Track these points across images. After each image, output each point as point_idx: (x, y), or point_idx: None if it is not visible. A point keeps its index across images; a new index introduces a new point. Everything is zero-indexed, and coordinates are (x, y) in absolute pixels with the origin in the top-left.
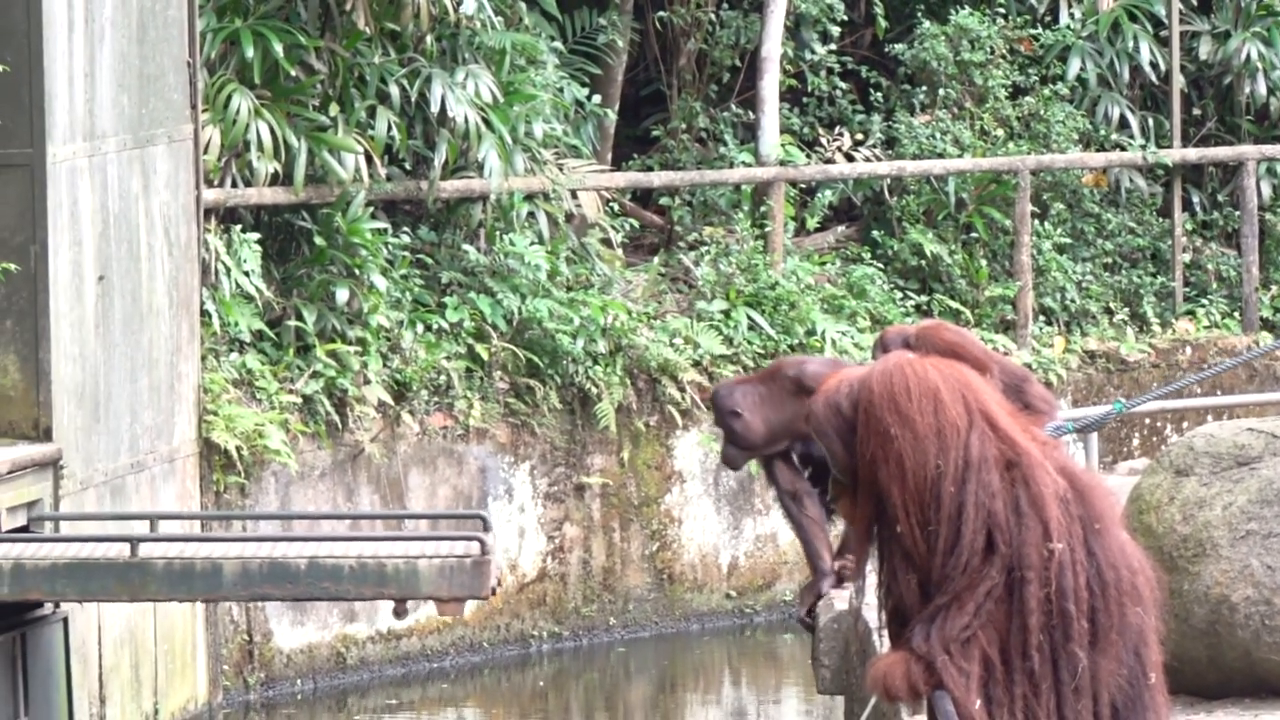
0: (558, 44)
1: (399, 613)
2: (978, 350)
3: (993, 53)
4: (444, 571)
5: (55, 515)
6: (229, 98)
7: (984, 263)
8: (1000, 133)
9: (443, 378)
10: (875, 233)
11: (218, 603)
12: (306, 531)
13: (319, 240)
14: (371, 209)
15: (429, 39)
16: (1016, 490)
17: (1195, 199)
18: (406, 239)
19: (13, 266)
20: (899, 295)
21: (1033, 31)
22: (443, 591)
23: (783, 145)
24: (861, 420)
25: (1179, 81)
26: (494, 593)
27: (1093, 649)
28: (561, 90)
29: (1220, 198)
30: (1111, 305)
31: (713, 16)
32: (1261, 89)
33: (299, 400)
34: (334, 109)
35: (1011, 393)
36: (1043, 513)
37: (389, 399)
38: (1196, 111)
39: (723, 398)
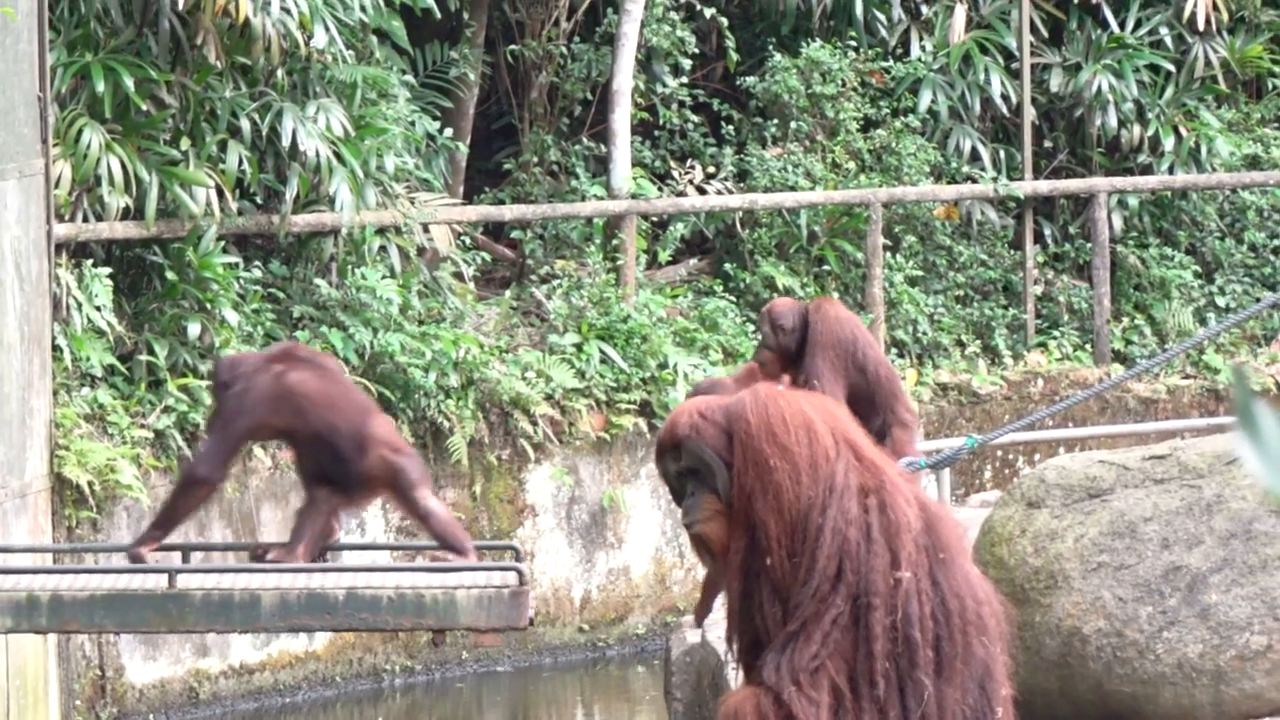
0: (409, 77)
1: (436, 643)
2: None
3: (844, 85)
4: (482, 602)
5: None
6: (80, 132)
7: (836, 295)
8: (852, 165)
9: None
10: (727, 266)
11: (255, 633)
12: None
13: (170, 275)
14: (223, 243)
15: (280, 73)
16: (870, 517)
17: (1047, 231)
18: (258, 273)
19: None
20: (751, 328)
21: (884, 64)
22: (480, 622)
23: (634, 178)
24: (739, 452)
25: (1030, 114)
26: (532, 623)
27: (938, 678)
28: (413, 124)
29: (1072, 230)
30: (963, 337)
31: (564, 50)
32: (1112, 121)
33: (151, 435)
34: (185, 143)
35: (885, 399)
36: (893, 541)
37: None
38: (1048, 144)
39: (224, 368)
